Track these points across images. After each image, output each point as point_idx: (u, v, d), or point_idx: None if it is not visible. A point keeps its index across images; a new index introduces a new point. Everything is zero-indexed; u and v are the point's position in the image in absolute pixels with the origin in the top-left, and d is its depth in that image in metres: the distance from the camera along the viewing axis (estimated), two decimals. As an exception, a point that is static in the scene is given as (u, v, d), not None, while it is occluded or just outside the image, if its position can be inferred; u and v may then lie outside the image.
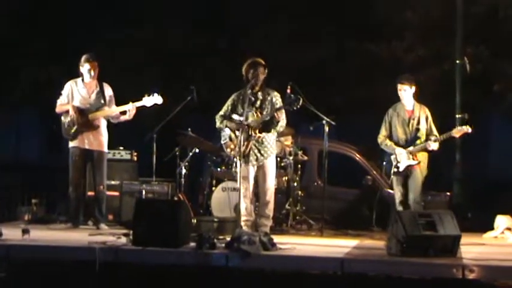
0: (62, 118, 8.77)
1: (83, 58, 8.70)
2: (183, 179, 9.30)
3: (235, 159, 8.34)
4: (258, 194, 8.26)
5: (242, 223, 7.83)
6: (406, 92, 8.46)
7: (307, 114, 8.64)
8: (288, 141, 9.43)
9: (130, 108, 8.64)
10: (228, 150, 8.21)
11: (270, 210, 8.09)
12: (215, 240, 6.79)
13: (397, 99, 8.60)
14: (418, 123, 8.47)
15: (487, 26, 11.92)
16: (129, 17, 13.46)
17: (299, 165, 9.63)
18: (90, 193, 8.89)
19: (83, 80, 8.76)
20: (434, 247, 6.55)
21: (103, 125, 8.76)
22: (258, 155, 8.00)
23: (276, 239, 7.06)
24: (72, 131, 8.65)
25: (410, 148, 8.41)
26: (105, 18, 13.41)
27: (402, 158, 8.41)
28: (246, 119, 7.90)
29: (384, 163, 8.67)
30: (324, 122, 8.77)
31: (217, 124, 8.20)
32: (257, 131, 7.94)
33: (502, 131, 13.94)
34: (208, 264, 6.53)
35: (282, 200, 9.28)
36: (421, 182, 8.43)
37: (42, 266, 6.65)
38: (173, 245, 6.71)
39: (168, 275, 6.55)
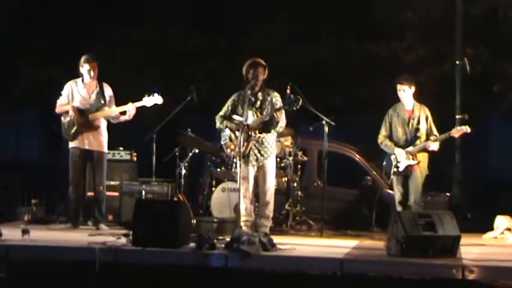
0: (62, 118, 8.76)
1: (83, 59, 8.69)
2: (182, 180, 9.30)
3: (235, 160, 8.34)
4: (257, 195, 8.26)
5: (242, 223, 7.84)
6: (406, 93, 8.47)
7: (306, 114, 8.64)
8: (288, 141, 9.43)
9: (130, 108, 8.64)
10: (228, 150, 8.21)
11: (269, 210, 8.09)
12: (215, 241, 6.80)
13: (397, 99, 8.60)
14: (418, 123, 8.47)
15: (486, 26, 11.91)
16: (129, 17, 13.45)
17: (299, 166, 9.63)
18: (89, 193, 8.89)
19: (83, 80, 8.76)
20: (434, 247, 6.55)
21: (103, 125, 8.76)
22: (258, 155, 8.00)
23: (276, 239, 7.06)
24: (72, 131, 8.65)
25: (410, 148, 8.41)
26: (105, 18, 13.40)
27: (402, 158, 8.41)
28: (246, 119, 7.91)
29: (384, 163, 8.67)
30: (324, 122, 8.77)
31: (217, 124, 8.20)
32: (257, 132, 7.94)
33: (501, 132, 13.95)
34: (208, 264, 6.53)
35: (282, 200, 9.28)
36: (421, 182, 8.43)
37: (42, 266, 6.66)
38: (173, 245, 6.72)
39: (167, 275, 6.56)
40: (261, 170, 8.04)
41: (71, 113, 8.64)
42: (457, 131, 8.49)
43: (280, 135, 8.57)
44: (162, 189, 9.38)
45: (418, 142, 8.42)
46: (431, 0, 12.26)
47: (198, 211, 9.22)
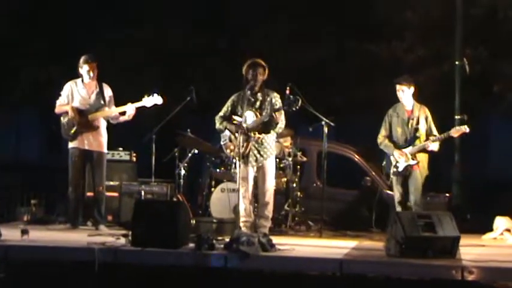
0: (62, 119, 8.76)
1: (82, 59, 8.68)
2: (182, 180, 9.29)
3: (234, 160, 8.35)
4: (257, 195, 8.27)
5: (241, 224, 7.83)
6: (405, 93, 8.48)
7: (306, 115, 8.64)
8: (287, 142, 9.42)
9: (130, 109, 8.63)
10: (228, 151, 8.22)
11: (269, 211, 8.10)
12: (214, 241, 6.79)
13: (397, 99, 8.60)
14: (418, 123, 8.47)
15: (486, 26, 11.92)
16: (129, 17, 13.44)
17: (298, 166, 9.63)
18: (89, 194, 8.90)
19: (82, 80, 8.75)
20: (433, 248, 6.55)
21: (103, 125, 8.75)
22: (258, 156, 8.00)
23: (275, 240, 7.06)
24: (72, 131, 8.64)
25: (409, 148, 8.41)
26: (105, 18, 13.40)
27: (401, 159, 8.41)
28: (245, 120, 7.91)
29: (384, 163, 8.67)
30: (323, 123, 8.76)
31: (217, 125, 8.20)
32: (256, 132, 7.94)
33: (501, 132, 13.95)
34: (207, 265, 6.53)
35: (281, 201, 9.27)
36: (421, 183, 8.43)
37: (41, 266, 6.65)
38: (172, 245, 6.71)
39: (167, 275, 6.55)
40: (260, 170, 8.04)
41: (71, 113, 8.63)
42: (456, 131, 8.49)
43: (279, 135, 8.57)
44: (162, 190, 9.37)
45: (417, 142, 8.42)
46: (431, 0, 12.26)
47: (197, 211, 9.21)
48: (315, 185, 10.26)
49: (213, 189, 9.26)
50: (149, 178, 9.42)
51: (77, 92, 8.74)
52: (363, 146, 10.64)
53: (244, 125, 7.89)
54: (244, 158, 7.92)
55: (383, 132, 8.63)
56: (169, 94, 9.03)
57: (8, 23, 13.61)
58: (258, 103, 8.04)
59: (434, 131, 8.49)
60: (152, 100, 8.67)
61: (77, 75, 8.80)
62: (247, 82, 8.03)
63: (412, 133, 8.46)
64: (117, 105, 8.79)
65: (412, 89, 8.49)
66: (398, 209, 8.36)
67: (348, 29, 13.05)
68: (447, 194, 9.97)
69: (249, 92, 8.01)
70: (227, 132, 8.13)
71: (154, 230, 6.77)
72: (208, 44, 13.48)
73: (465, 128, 8.44)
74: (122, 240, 7.10)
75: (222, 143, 8.26)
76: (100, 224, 8.63)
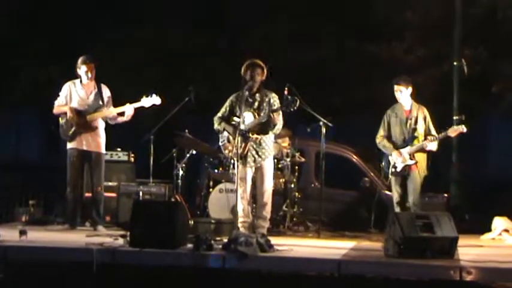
0: (60, 119, 8.75)
1: (80, 60, 8.67)
2: (180, 181, 9.29)
3: (232, 161, 8.34)
4: (255, 196, 8.25)
5: (239, 224, 7.85)
6: (403, 93, 8.49)
7: (304, 115, 8.65)
8: (285, 142, 9.41)
9: (129, 109, 8.63)
10: (226, 151, 8.22)
11: (267, 211, 8.10)
12: (212, 242, 6.78)
13: (396, 99, 8.60)
14: (416, 123, 8.48)
15: (485, 27, 11.92)
16: (129, 17, 13.45)
17: (296, 167, 9.63)
18: (87, 194, 8.91)
19: (81, 81, 8.75)
20: (431, 249, 6.55)
21: (101, 126, 8.75)
22: (256, 156, 8.00)
23: (273, 240, 7.05)
24: (70, 132, 8.64)
25: (408, 148, 8.41)
26: (105, 18, 13.41)
27: (399, 159, 8.41)
28: (243, 120, 7.90)
29: (383, 163, 8.67)
30: (321, 123, 8.77)
31: (215, 126, 8.21)
32: (254, 133, 7.93)
33: (500, 132, 13.95)
34: (205, 265, 6.52)
35: (279, 201, 9.25)
36: (419, 183, 8.43)
37: (40, 267, 6.65)
38: (170, 246, 6.71)
39: (165, 276, 6.55)
40: (258, 171, 8.04)
41: (69, 114, 8.63)
42: (454, 131, 8.49)
43: (277, 136, 8.56)
44: (160, 190, 9.39)
45: (415, 142, 8.42)
46: (431, 1, 12.25)
47: (195, 212, 9.22)
48: (313, 185, 10.24)
49: (211, 189, 9.26)
50: (147, 179, 9.42)
51: (75, 93, 8.74)
52: (361, 147, 10.64)
53: (243, 126, 7.89)
54: (243, 158, 7.91)
55: (381, 132, 8.64)
56: (169, 94, 9.04)
57: (8, 23, 13.61)
58: (256, 103, 8.04)
59: (433, 131, 8.49)
60: (151, 100, 8.67)
61: (75, 75, 8.80)
62: (245, 82, 8.03)
63: (410, 133, 8.46)
64: (116, 105, 8.79)
65: (410, 89, 8.50)
66: (397, 209, 8.36)
67: (348, 29, 13.06)
68: (445, 194, 9.97)
69: (247, 93, 8.00)
70: (226, 133, 8.13)
71: (152, 231, 6.77)
72: (208, 44, 13.49)
73: (462, 128, 8.44)
74: (120, 241, 7.09)
75: (220, 143, 8.26)
76: (98, 225, 8.62)
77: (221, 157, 9.13)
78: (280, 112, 7.88)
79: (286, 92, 7.97)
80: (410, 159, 8.38)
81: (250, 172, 8.02)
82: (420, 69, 11.82)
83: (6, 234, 7.32)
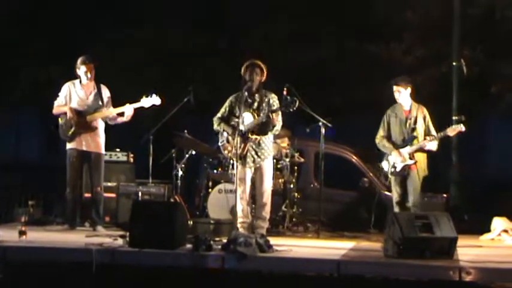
0: (60, 119, 8.75)
1: (79, 60, 8.66)
2: (179, 181, 9.29)
3: (231, 161, 8.34)
4: (254, 196, 8.25)
5: (238, 225, 7.85)
6: (401, 94, 8.49)
7: (303, 116, 8.65)
8: (285, 143, 9.41)
9: (128, 109, 8.63)
10: (226, 152, 8.22)
11: (266, 212, 8.10)
12: (211, 242, 6.80)
13: (395, 99, 8.60)
14: (415, 123, 8.48)
15: (484, 27, 11.91)
16: (129, 17, 13.45)
17: (295, 167, 9.63)
18: (87, 195, 8.91)
19: (80, 81, 8.74)
20: (430, 249, 6.56)
21: (101, 126, 8.74)
22: (255, 157, 8.00)
23: (273, 241, 7.06)
24: (70, 132, 8.64)
25: (407, 148, 8.41)
26: (105, 18, 13.40)
27: (398, 159, 8.41)
28: (243, 121, 7.91)
29: (381, 163, 8.66)
30: (320, 123, 8.78)
31: (215, 126, 8.21)
32: (253, 134, 7.93)
33: (499, 133, 13.95)
34: (205, 266, 6.53)
35: (279, 202, 9.25)
36: (419, 183, 8.42)
37: (39, 267, 6.66)
38: (169, 246, 6.72)
39: (164, 276, 6.56)
40: (258, 171, 8.04)
41: (69, 114, 8.63)
42: (453, 130, 8.49)
43: (277, 136, 8.57)
44: (159, 191, 9.38)
45: (415, 142, 8.42)
46: (431, 1, 12.25)
47: (194, 212, 9.22)
48: (312, 185, 10.23)
49: (210, 190, 9.26)
50: (147, 179, 9.41)
51: (75, 93, 8.73)
52: (361, 147, 10.64)
53: (242, 126, 7.89)
54: (242, 159, 7.92)
55: (381, 133, 8.64)
56: (169, 94, 9.03)
57: (8, 23, 13.61)
58: (255, 104, 8.04)
59: (433, 131, 8.49)
60: (150, 101, 8.66)
61: (76, 75, 8.80)
62: (245, 83, 8.03)
63: (409, 133, 8.46)
64: (116, 105, 8.79)
65: (409, 89, 8.50)
66: (396, 209, 8.37)
67: (348, 29, 13.06)
68: (445, 195, 9.95)
69: (246, 93, 8.00)
70: (225, 134, 8.13)
71: (151, 231, 6.78)
72: (208, 44, 13.49)
73: (461, 127, 8.44)
74: (120, 241, 7.10)
75: (220, 143, 8.26)
76: (98, 225, 8.61)
77: (220, 157, 9.14)
78: (280, 112, 7.88)
79: (285, 93, 7.97)
80: (410, 159, 8.38)
81: (249, 172, 8.02)
82: (419, 70, 11.82)
83: (5, 234, 7.33)
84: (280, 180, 9.34)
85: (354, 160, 10.49)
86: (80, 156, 8.66)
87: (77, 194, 8.72)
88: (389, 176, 8.56)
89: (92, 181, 8.70)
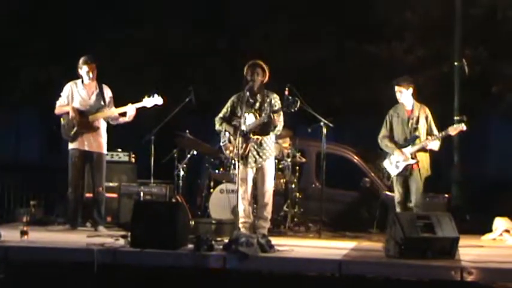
0: (62, 119, 8.74)
1: (81, 60, 8.66)
2: (181, 181, 9.28)
3: (233, 161, 8.34)
4: (256, 196, 8.26)
5: (240, 225, 7.84)
6: (403, 94, 8.49)
7: (305, 116, 8.64)
8: (286, 143, 9.41)
9: (130, 109, 8.63)
10: (227, 152, 8.22)
11: (268, 212, 8.10)
12: (213, 242, 6.79)
13: (397, 99, 8.61)
14: (417, 122, 8.48)
15: (485, 27, 11.93)
16: (129, 17, 13.47)
17: (297, 167, 9.62)
18: (88, 195, 8.90)
19: (82, 81, 8.74)
20: (432, 249, 6.55)
21: (102, 126, 8.73)
22: (257, 157, 8.00)
23: (274, 241, 7.05)
24: (72, 132, 8.63)
25: (409, 147, 8.42)
26: (105, 18, 13.42)
27: (400, 159, 8.42)
28: (244, 121, 7.91)
29: (383, 163, 8.66)
30: (322, 123, 8.77)
31: (217, 126, 8.21)
32: (255, 134, 7.93)
33: (500, 132, 13.97)
34: (206, 266, 6.52)
35: (280, 202, 9.25)
36: (421, 183, 8.41)
37: (41, 267, 6.65)
38: (171, 246, 6.71)
39: (166, 276, 6.55)
40: (259, 171, 8.04)
41: (71, 114, 8.62)
42: (454, 129, 8.49)
43: (278, 136, 8.56)
44: (161, 191, 9.36)
45: (417, 142, 8.42)
46: (431, 1, 12.26)
47: (196, 212, 9.21)
48: (313, 185, 10.23)
49: (212, 190, 9.25)
50: (148, 179, 9.42)
51: (77, 93, 8.73)
52: (362, 147, 10.64)
53: (244, 127, 7.89)
54: (244, 159, 7.92)
55: (383, 132, 8.64)
56: (170, 94, 9.02)
57: (8, 23, 13.61)
58: (257, 104, 8.05)
59: (435, 131, 8.49)
60: (152, 101, 8.65)
61: (76, 75, 8.78)
62: (247, 83, 8.03)
63: (411, 132, 8.46)
64: (117, 105, 8.78)
65: (411, 90, 8.50)
66: (398, 209, 8.36)
67: (348, 29, 13.08)
68: (446, 195, 9.94)
69: (248, 93, 8.00)
70: (227, 134, 8.13)
71: (153, 231, 6.77)
72: (208, 44, 13.51)
73: (462, 126, 8.44)
74: (121, 241, 7.09)
75: (221, 144, 8.26)
76: (99, 225, 8.61)
77: (222, 157, 9.13)
78: (281, 113, 7.88)
79: (286, 93, 7.97)
80: (412, 158, 8.38)
81: (251, 172, 8.03)
82: (420, 70, 11.82)
83: (7, 234, 7.31)
84: (281, 180, 9.33)
85: (355, 160, 10.49)
86: (82, 156, 8.65)
87: (78, 194, 8.70)
88: (392, 175, 8.56)
89: (94, 181, 8.69)
